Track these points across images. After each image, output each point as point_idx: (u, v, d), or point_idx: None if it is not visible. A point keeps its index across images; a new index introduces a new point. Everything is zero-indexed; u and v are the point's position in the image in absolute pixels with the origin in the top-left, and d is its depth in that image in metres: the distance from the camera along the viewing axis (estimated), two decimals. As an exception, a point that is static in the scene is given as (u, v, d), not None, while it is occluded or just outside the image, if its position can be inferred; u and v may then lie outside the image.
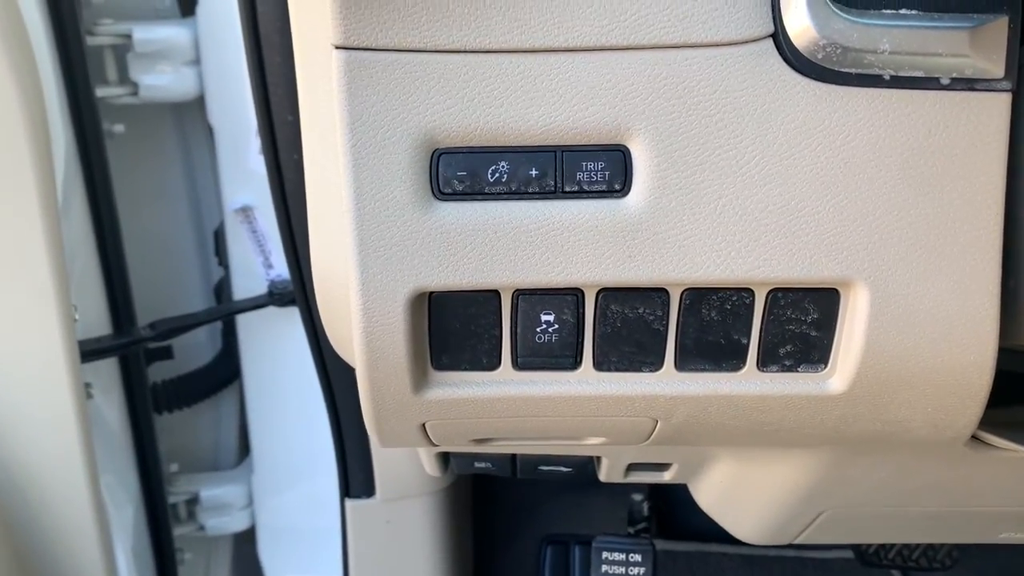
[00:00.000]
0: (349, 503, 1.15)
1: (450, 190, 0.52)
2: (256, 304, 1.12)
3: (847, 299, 0.52)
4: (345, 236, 0.52)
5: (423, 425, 0.59)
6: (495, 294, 0.54)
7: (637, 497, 1.22)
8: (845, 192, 0.49)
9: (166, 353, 1.23)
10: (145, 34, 1.05)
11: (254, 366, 1.23)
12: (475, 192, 0.52)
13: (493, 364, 0.56)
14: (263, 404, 1.25)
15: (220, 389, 1.28)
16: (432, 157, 0.51)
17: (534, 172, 0.50)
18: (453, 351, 0.56)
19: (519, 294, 0.52)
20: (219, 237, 1.18)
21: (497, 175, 0.52)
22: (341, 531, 1.18)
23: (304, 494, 1.27)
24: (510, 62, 0.48)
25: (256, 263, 1.14)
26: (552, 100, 0.49)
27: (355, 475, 1.13)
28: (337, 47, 0.49)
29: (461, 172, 0.52)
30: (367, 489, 1.13)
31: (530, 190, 0.50)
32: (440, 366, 0.56)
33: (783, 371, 0.54)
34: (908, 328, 0.52)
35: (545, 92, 0.49)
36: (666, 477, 0.83)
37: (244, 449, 1.35)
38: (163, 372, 1.25)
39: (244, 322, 1.20)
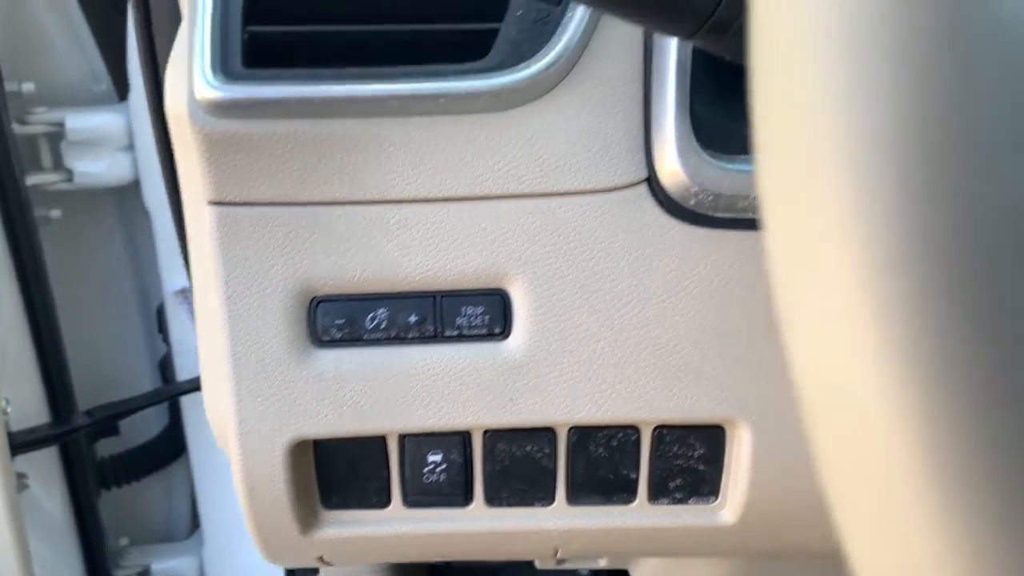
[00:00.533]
0: (302, 581, 1.14)
1: (329, 338, 0.52)
2: (195, 386, 1.12)
3: (732, 436, 0.52)
4: (224, 383, 0.52)
5: (320, 556, 0.59)
6: (380, 438, 0.54)
7: (583, 572, 1.22)
8: (722, 334, 0.49)
9: (112, 430, 1.22)
10: (77, 123, 1.05)
11: (199, 441, 1.22)
12: (354, 339, 0.52)
13: (383, 503, 0.56)
14: (210, 478, 1.24)
15: (168, 463, 1.27)
16: (310, 306, 0.51)
17: (413, 318, 0.50)
18: (342, 492, 0.56)
19: (405, 436, 0.52)
20: (161, 316, 1.18)
21: (376, 322, 0.52)
22: (288, 608, 1.17)
23: (254, 569, 1.26)
24: (384, 212, 0.49)
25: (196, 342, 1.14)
26: (429, 248, 0.49)
27: None
28: (210, 203, 0.50)
29: (340, 320, 0.52)
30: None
31: (410, 336, 0.50)
32: (330, 505, 0.56)
33: (674, 503, 0.54)
34: (792, 463, 0.52)
35: (421, 240, 0.49)
36: (601, 564, 0.83)
37: (197, 518, 1.34)
38: (111, 447, 1.25)
39: (188, 397, 1.20)
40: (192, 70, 0.48)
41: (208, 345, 0.57)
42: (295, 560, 0.60)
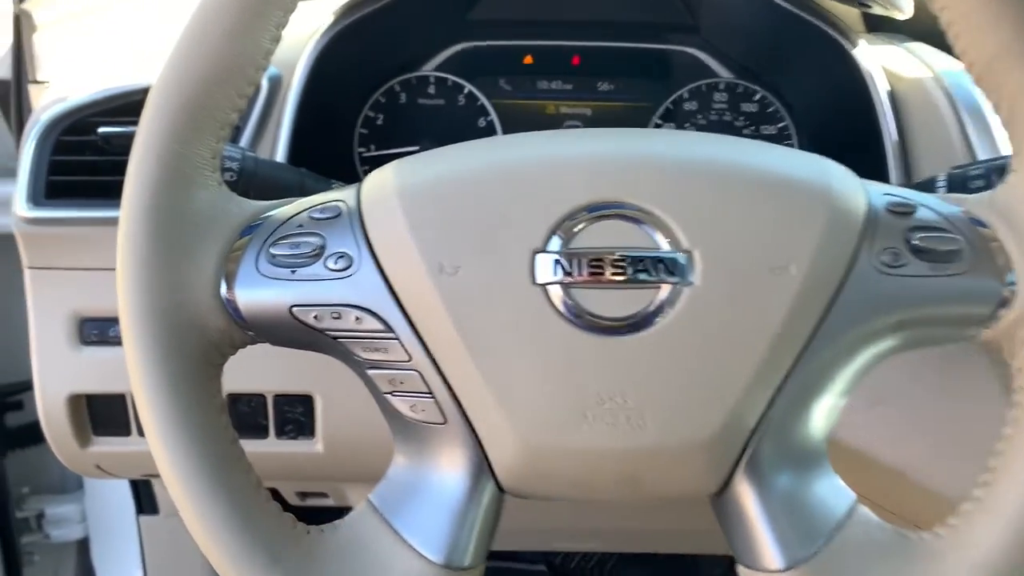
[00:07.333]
0: (142, 518, 1.42)
1: (89, 340, 0.85)
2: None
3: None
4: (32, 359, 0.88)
5: (97, 465, 0.93)
6: (121, 395, 0.87)
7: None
8: None
9: (18, 405, 1.58)
10: None
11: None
12: (103, 342, 0.85)
13: (126, 432, 0.89)
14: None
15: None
16: (80, 322, 0.87)
17: None
18: (104, 424, 0.89)
19: None
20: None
21: (115, 332, 0.84)
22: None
23: (117, 514, 1.59)
24: None
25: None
26: None
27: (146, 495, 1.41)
28: (27, 267, 0.88)
29: (95, 331, 0.85)
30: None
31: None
32: (97, 433, 0.90)
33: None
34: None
35: None
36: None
37: (81, 477, 1.63)
38: (18, 419, 1.59)
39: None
40: (15, 198, 0.85)
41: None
42: (84, 467, 0.93)
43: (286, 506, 1.06)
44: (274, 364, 0.82)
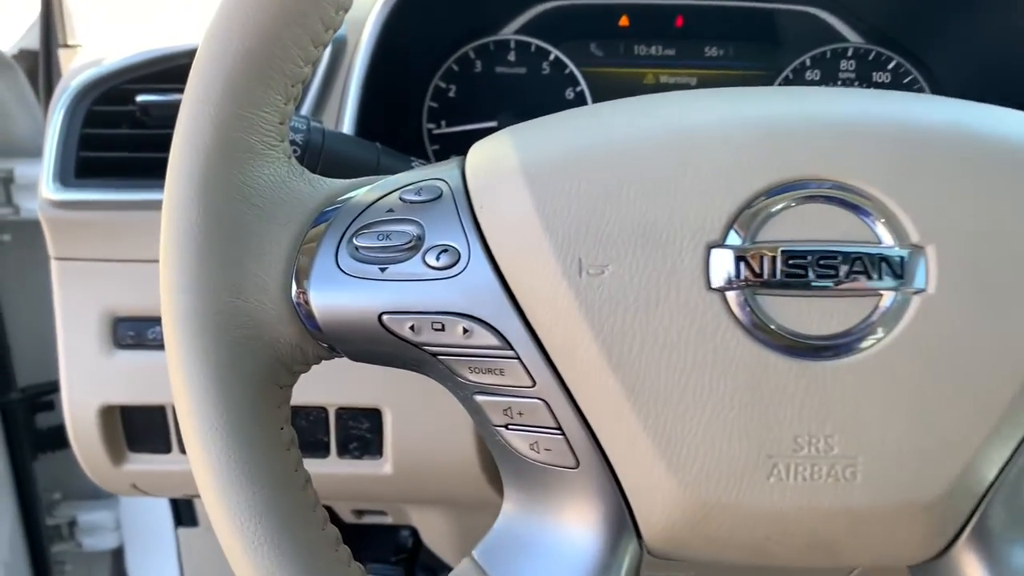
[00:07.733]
0: (181, 530, 1.37)
1: (124, 343, 0.77)
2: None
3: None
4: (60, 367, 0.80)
5: (133, 484, 0.85)
6: (161, 407, 0.79)
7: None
8: None
9: (49, 406, 1.51)
10: (25, 171, 1.36)
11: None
12: (140, 344, 0.77)
13: (167, 449, 0.81)
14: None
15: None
16: (113, 322, 0.78)
17: None
18: (140, 440, 0.81)
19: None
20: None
21: (154, 335, 0.77)
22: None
23: (151, 521, 1.54)
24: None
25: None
26: None
27: (184, 506, 1.36)
28: (54, 258, 0.79)
29: (131, 332, 0.77)
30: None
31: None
32: (134, 449, 0.81)
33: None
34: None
35: None
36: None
37: None
38: (49, 420, 1.52)
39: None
40: (41, 179, 0.76)
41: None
42: (117, 486, 0.84)
43: (339, 523, 0.96)
44: (338, 372, 0.69)
